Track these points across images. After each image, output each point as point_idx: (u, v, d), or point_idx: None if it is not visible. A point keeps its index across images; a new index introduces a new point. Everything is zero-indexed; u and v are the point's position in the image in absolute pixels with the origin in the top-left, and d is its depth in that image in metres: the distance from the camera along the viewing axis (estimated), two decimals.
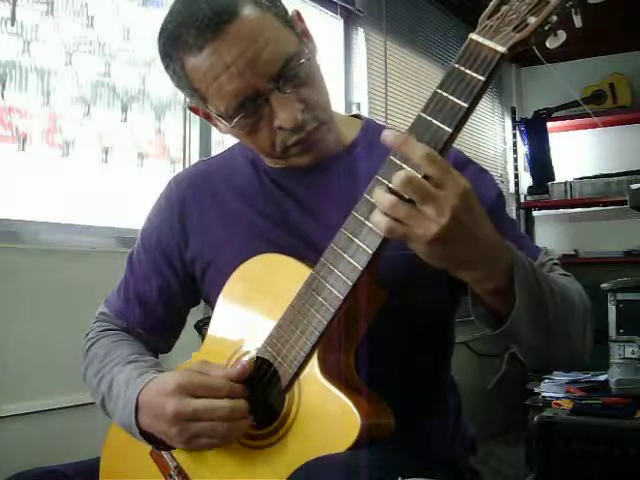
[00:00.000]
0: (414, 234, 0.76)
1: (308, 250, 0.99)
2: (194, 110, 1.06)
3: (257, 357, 0.94)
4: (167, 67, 0.99)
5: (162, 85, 2.46)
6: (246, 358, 0.96)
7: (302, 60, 0.95)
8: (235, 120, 0.96)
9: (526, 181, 4.61)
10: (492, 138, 4.50)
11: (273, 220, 1.06)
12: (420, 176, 0.75)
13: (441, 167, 0.76)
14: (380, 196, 0.77)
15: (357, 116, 1.16)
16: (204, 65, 0.93)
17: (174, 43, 0.95)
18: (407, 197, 0.75)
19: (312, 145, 0.99)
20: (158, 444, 0.96)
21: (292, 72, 0.94)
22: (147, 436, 0.96)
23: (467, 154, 1.10)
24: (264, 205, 1.08)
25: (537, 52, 0.78)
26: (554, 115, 4.46)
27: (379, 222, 0.77)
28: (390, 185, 0.77)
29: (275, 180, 1.08)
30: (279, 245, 1.02)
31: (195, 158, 2.49)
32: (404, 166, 0.78)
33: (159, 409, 0.91)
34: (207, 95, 0.96)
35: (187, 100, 1.05)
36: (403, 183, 0.75)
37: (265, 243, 1.03)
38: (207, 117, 1.05)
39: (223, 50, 0.91)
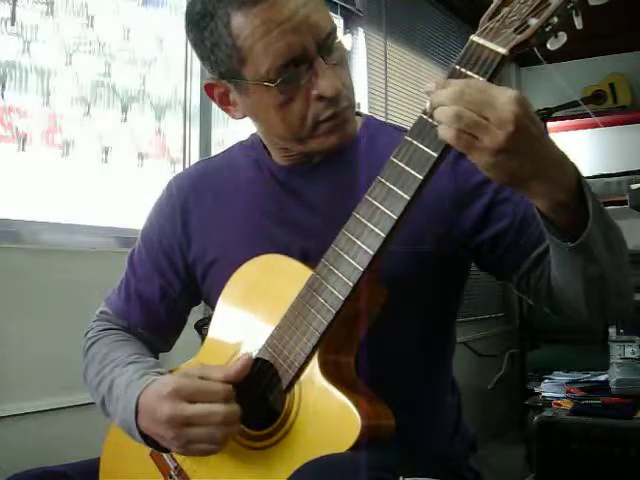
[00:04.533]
0: (479, 145, 0.73)
1: (312, 248, 0.99)
2: (209, 89, 1.03)
3: (257, 358, 0.94)
4: (204, 29, 0.97)
5: (162, 85, 2.46)
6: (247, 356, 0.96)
7: (339, 39, 0.98)
8: (277, 82, 0.94)
9: None
10: None
11: (276, 219, 1.06)
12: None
13: (486, 84, 0.74)
14: (442, 111, 0.74)
15: (358, 113, 1.16)
16: (256, 20, 0.92)
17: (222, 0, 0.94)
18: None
19: (341, 124, 0.99)
20: (158, 446, 0.95)
21: (333, 45, 0.97)
22: (147, 438, 0.96)
23: None
24: (267, 204, 1.08)
25: (537, 53, 0.78)
26: (554, 115, 4.45)
27: (445, 133, 0.74)
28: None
29: (279, 179, 1.08)
30: (282, 244, 1.02)
31: (195, 158, 2.49)
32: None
33: (155, 413, 0.91)
34: (250, 54, 0.94)
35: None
36: (457, 94, 0.73)
37: (268, 243, 1.03)
38: (222, 99, 1.03)
39: (277, 7, 0.92)
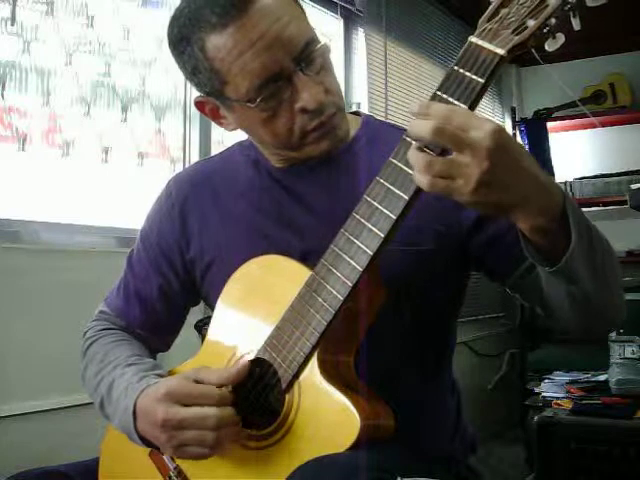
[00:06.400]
0: (457, 186, 0.74)
1: (311, 248, 0.99)
2: (200, 105, 1.04)
3: (257, 358, 0.94)
4: (182, 53, 0.98)
5: (162, 85, 2.46)
6: (246, 359, 0.96)
7: (319, 45, 0.97)
8: (257, 101, 0.94)
9: None
10: None
11: (275, 219, 1.06)
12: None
13: (466, 114, 0.74)
14: (414, 157, 0.76)
15: (357, 113, 1.16)
16: (228, 43, 0.92)
17: (195, 24, 0.94)
18: (439, 150, 0.74)
19: (330, 131, 0.99)
20: (158, 448, 0.96)
21: (312, 55, 0.95)
22: (145, 440, 0.96)
23: None
24: (266, 205, 1.08)
25: (535, 54, 0.78)
26: (554, 115, 4.46)
27: (419, 181, 0.75)
28: (419, 145, 0.75)
29: (277, 179, 1.08)
30: (281, 244, 1.02)
31: (195, 158, 2.49)
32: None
33: (150, 416, 0.91)
34: (228, 76, 0.95)
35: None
36: (434, 133, 0.73)
37: (266, 243, 1.03)
38: (214, 113, 1.04)
39: (249, 27, 0.91)
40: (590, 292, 0.87)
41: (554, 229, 0.80)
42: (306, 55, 0.95)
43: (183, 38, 0.97)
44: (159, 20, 2.42)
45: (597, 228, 0.87)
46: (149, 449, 0.99)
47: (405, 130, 0.83)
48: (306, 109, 0.95)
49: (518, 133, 4.62)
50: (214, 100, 1.01)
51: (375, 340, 0.93)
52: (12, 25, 1.96)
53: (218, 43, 0.93)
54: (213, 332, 1.04)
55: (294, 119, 0.97)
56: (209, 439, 0.88)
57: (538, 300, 0.96)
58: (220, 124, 1.06)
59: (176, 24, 0.98)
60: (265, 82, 0.93)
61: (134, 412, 0.95)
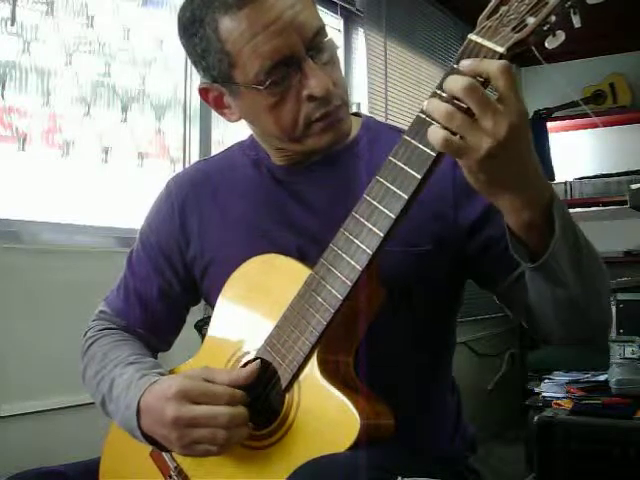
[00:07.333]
0: (468, 147, 0.73)
1: (311, 248, 0.99)
2: (203, 93, 1.04)
3: (256, 357, 0.94)
4: (194, 35, 0.98)
5: (162, 85, 2.46)
6: (246, 359, 0.96)
7: (328, 38, 0.98)
8: (266, 84, 0.94)
9: None
10: None
11: (275, 219, 1.06)
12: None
13: (511, 83, 0.74)
14: (436, 105, 0.75)
15: (357, 114, 1.16)
16: (242, 24, 0.93)
17: (209, 5, 0.95)
18: (464, 107, 0.73)
19: (334, 123, 0.99)
20: (160, 446, 0.95)
21: (322, 45, 0.97)
22: (149, 438, 0.96)
23: None
24: (266, 204, 1.08)
25: (536, 52, 0.78)
26: (554, 115, 4.46)
27: (435, 134, 0.74)
28: (446, 95, 0.74)
29: (278, 178, 1.08)
30: (281, 243, 1.02)
31: (195, 158, 2.50)
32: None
33: (159, 413, 0.91)
34: (239, 58, 0.95)
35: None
36: (466, 89, 0.72)
37: (267, 242, 1.03)
38: (217, 102, 1.04)
39: (264, 10, 0.92)
40: (574, 295, 0.87)
41: (540, 225, 0.80)
42: (316, 43, 0.96)
43: (196, 20, 0.97)
44: (159, 20, 2.43)
45: (583, 233, 0.88)
46: (150, 448, 0.99)
47: (405, 131, 0.82)
48: (313, 96, 0.95)
49: None
50: (219, 87, 1.01)
51: (374, 340, 0.93)
52: (12, 25, 1.97)
53: (232, 24, 0.93)
54: (213, 331, 1.04)
55: (300, 106, 0.97)
56: (220, 437, 0.88)
57: (524, 312, 0.97)
58: (223, 114, 1.05)
59: (189, 7, 0.98)
60: (276, 65, 0.94)
61: (138, 410, 0.95)
